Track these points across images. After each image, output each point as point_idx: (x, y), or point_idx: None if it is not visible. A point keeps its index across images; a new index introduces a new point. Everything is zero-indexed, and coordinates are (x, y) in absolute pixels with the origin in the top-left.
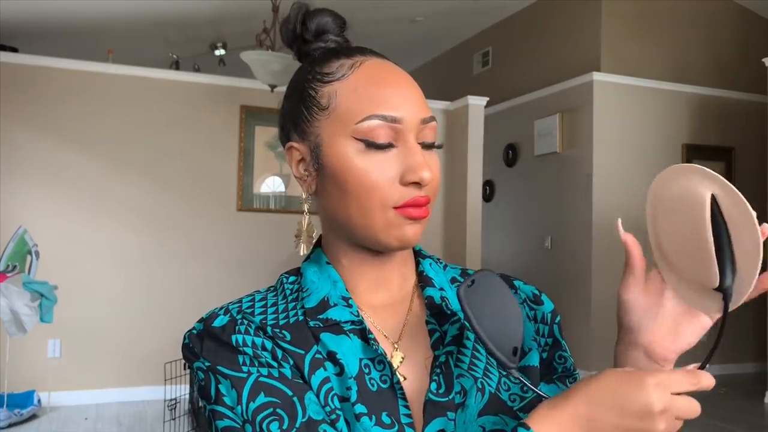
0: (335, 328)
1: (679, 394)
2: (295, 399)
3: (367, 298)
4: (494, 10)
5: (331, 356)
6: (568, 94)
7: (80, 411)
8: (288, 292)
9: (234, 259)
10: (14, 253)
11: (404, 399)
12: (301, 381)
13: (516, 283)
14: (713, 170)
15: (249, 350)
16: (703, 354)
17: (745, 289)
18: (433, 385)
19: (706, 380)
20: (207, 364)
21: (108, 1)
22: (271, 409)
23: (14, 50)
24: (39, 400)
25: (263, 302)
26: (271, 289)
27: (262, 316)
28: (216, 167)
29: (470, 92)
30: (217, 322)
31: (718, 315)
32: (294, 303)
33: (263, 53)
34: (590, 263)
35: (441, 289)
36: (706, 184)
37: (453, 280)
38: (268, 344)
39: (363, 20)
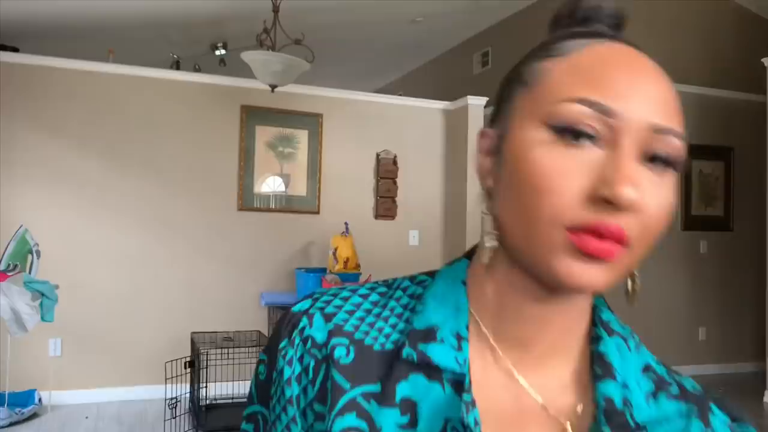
0: (431, 371)
1: None
2: None
3: (498, 347)
4: (494, 10)
5: (409, 404)
6: None
7: (81, 410)
8: (396, 300)
9: (234, 259)
10: (15, 252)
11: None
12: None
13: (714, 421)
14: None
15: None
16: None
17: None
18: None
19: None
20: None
21: (109, 1)
22: None
23: (15, 50)
24: (40, 399)
25: (361, 302)
26: (382, 285)
27: (354, 327)
28: (216, 167)
29: (470, 92)
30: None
31: None
32: (398, 317)
33: (264, 53)
34: None
35: (624, 385)
36: None
37: (647, 369)
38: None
39: (364, 21)
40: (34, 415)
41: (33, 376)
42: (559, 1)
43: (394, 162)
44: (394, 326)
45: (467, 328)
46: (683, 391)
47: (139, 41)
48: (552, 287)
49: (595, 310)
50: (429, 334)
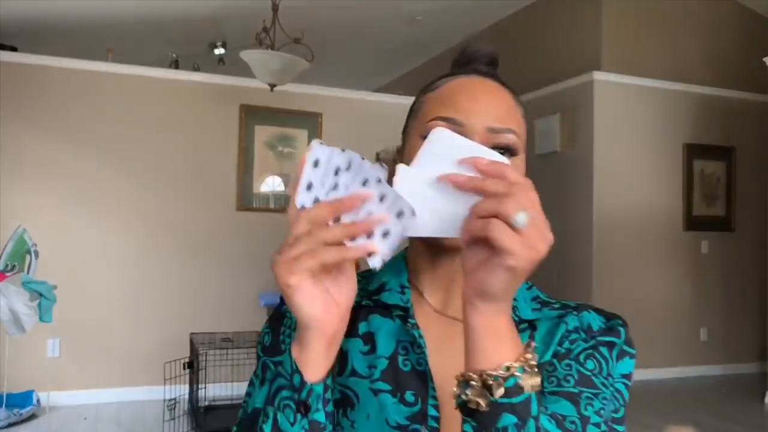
0: (384, 311)
1: None
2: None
3: (430, 298)
4: (494, 10)
5: (368, 335)
6: (568, 93)
7: (79, 411)
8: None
9: (233, 259)
10: (13, 252)
11: (433, 382)
12: None
13: (586, 311)
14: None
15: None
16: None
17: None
18: None
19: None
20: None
21: (108, 0)
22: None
23: (14, 49)
24: (38, 400)
25: None
26: None
27: None
28: (215, 166)
29: None
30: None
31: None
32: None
33: (263, 52)
34: (590, 263)
35: (514, 299)
36: None
37: (535, 299)
38: None
39: (363, 20)
40: (32, 416)
41: (31, 376)
42: (559, 1)
43: (395, 161)
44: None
45: (408, 282)
46: (564, 305)
47: (137, 40)
48: (438, 247)
49: None
50: (381, 288)
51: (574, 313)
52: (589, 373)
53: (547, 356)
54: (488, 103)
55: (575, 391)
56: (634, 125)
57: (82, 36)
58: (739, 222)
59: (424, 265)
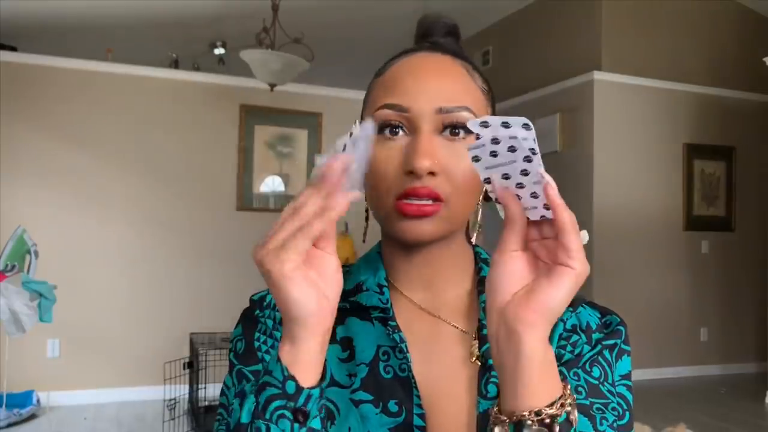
0: (362, 313)
1: None
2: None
3: (410, 296)
4: (494, 10)
5: (346, 340)
6: (568, 93)
7: (79, 411)
8: None
9: (233, 259)
10: (13, 252)
11: (418, 389)
12: None
13: (582, 307)
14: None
15: (269, 322)
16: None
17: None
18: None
19: None
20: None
21: (107, 0)
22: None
23: (13, 49)
24: (38, 400)
25: None
26: None
27: None
28: (215, 166)
29: None
30: (257, 295)
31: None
32: None
33: (263, 52)
34: (591, 263)
35: None
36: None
37: None
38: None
39: (363, 20)
40: (32, 416)
41: (31, 376)
42: (561, 1)
43: None
44: None
45: (386, 280)
46: None
47: (137, 40)
48: (402, 242)
49: (477, 255)
50: (358, 289)
51: (570, 309)
52: (596, 382)
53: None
54: (438, 81)
55: (587, 403)
56: (634, 125)
57: (81, 36)
58: (739, 222)
59: (400, 262)
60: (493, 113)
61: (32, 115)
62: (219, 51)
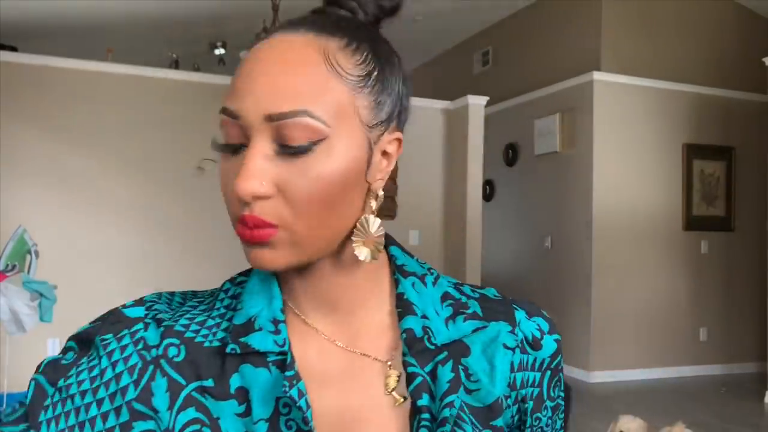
0: (256, 358)
1: None
2: None
3: (315, 325)
4: (494, 10)
5: (242, 392)
6: (568, 93)
7: None
8: (220, 301)
9: (233, 259)
10: (14, 252)
11: None
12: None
13: (518, 315)
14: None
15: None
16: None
17: None
18: None
19: None
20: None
21: (107, 0)
22: None
23: (14, 49)
24: None
25: (196, 306)
26: (208, 292)
27: (184, 326)
28: (215, 167)
29: (470, 91)
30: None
31: None
32: (221, 317)
33: None
34: (590, 263)
35: (424, 316)
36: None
37: (445, 297)
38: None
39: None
40: None
41: (31, 376)
42: (561, 1)
43: None
44: (218, 325)
45: (282, 311)
46: (485, 300)
47: (137, 40)
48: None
49: (392, 259)
50: (248, 326)
51: (502, 319)
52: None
53: (499, 388)
54: (268, 76)
55: None
56: (634, 125)
57: (81, 36)
58: (738, 222)
59: (297, 283)
60: (401, 105)
61: (32, 115)
62: (219, 51)
